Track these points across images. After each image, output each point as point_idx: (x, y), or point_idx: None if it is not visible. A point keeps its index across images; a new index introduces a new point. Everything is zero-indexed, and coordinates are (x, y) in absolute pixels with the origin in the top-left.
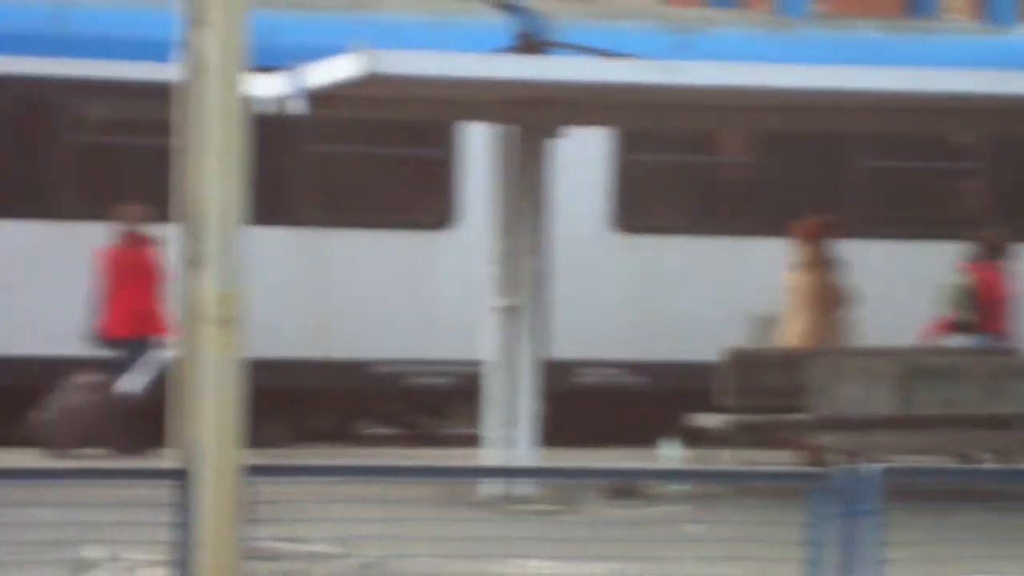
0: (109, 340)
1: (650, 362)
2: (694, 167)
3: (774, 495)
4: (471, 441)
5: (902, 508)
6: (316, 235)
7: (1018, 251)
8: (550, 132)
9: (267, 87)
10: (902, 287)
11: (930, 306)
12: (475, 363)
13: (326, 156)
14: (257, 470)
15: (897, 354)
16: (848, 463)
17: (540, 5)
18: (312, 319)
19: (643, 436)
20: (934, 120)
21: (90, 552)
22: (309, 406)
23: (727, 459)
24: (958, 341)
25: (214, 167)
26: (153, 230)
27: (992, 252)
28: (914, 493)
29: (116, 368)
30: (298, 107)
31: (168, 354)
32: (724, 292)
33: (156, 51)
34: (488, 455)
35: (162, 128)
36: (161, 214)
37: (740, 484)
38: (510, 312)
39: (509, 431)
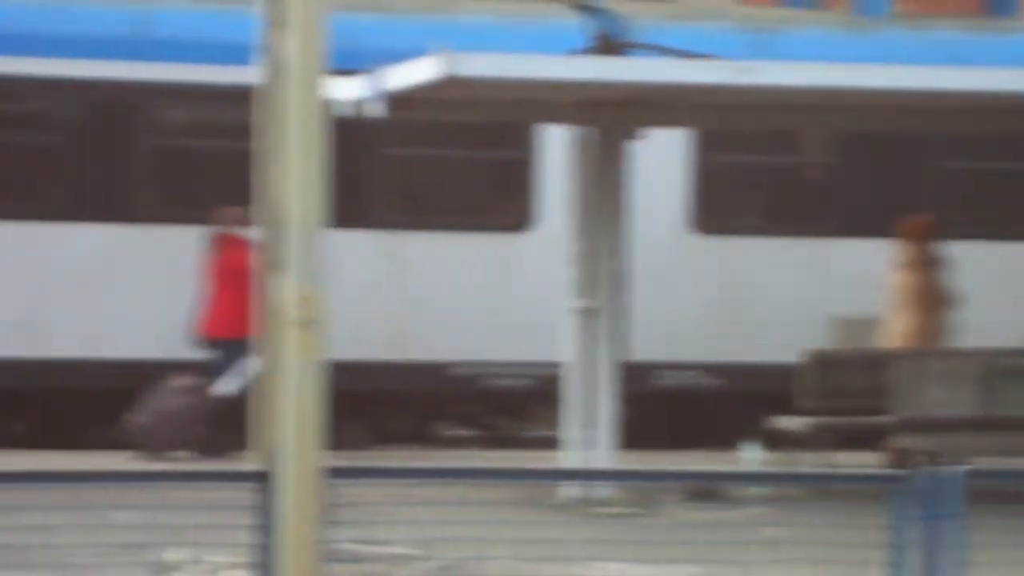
0: (207, 341)
1: (729, 364)
2: (773, 168)
3: (855, 498)
4: (550, 443)
5: (985, 511)
6: (395, 238)
7: None
8: (629, 134)
9: (346, 90)
10: (985, 287)
11: (1012, 307)
12: (554, 365)
13: (405, 159)
14: (338, 472)
15: (980, 355)
16: (931, 465)
17: (618, 6)
18: (391, 321)
19: (722, 438)
20: (1012, 120)
21: (171, 555)
22: (388, 408)
23: (808, 462)
24: None
25: (295, 170)
26: (251, 232)
27: None
28: (997, 495)
29: (210, 370)
30: (377, 110)
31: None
32: (803, 293)
33: (236, 54)
34: (567, 457)
35: (242, 131)
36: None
37: (821, 487)
38: (589, 314)
39: (588, 433)
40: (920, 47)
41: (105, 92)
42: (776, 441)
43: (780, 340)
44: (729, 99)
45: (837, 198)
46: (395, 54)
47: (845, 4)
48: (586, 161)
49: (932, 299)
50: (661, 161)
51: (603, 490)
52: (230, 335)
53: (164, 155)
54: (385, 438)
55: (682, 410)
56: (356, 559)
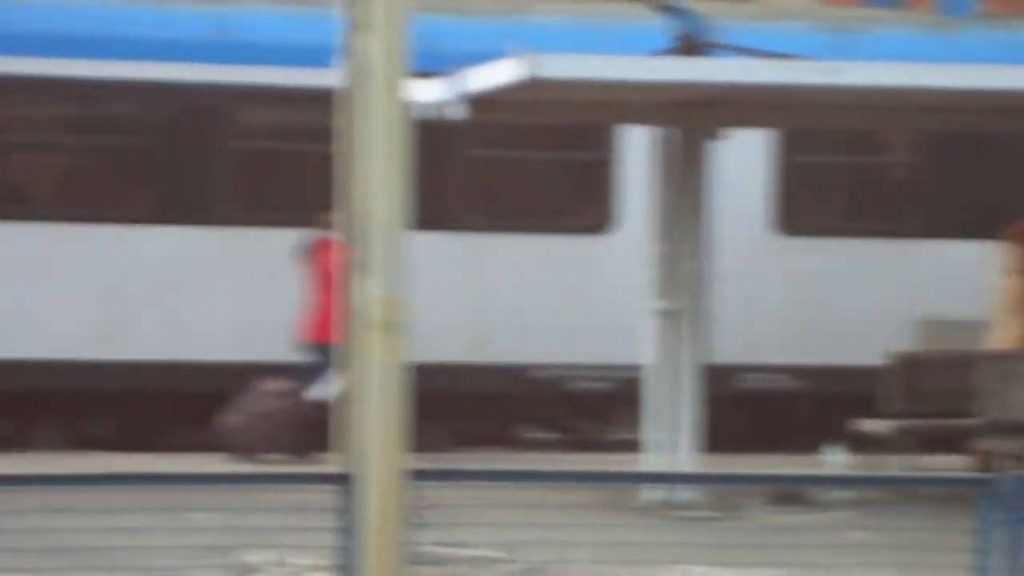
0: (306, 345)
1: (812, 366)
2: (856, 168)
3: (941, 501)
4: (631, 446)
5: None
6: (476, 240)
7: None
8: (710, 134)
9: (427, 92)
10: None
11: None
12: (635, 367)
13: (485, 161)
14: (421, 474)
15: None
16: (1016, 468)
17: (699, 6)
18: (473, 323)
19: (805, 441)
20: None
21: (254, 557)
22: (469, 410)
23: (892, 465)
24: None
25: (377, 173)
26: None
27: None
28: None
29: (298, 374)
30: (458, 112)
31: None
32: (887, 295)
33: (317, 57)
34: (649, 460)
35: (323, 134)
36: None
37: (906, 490)
38: (670, 316)
39: (670, 436)
40: (1003, 47)
41: (187, 95)
42: (860, 444)
43: (863, 342)
44: (812, 99)
45: (921, 198)
46: (474, 56)
47: (928, 4)
48: (667, 162)
49: None
50: (743, 162)
51: (686, 493)
52: (327, 340)
53: (246, 158)
54: (466, 441)
55: (764, 413)
56: (438, 562)
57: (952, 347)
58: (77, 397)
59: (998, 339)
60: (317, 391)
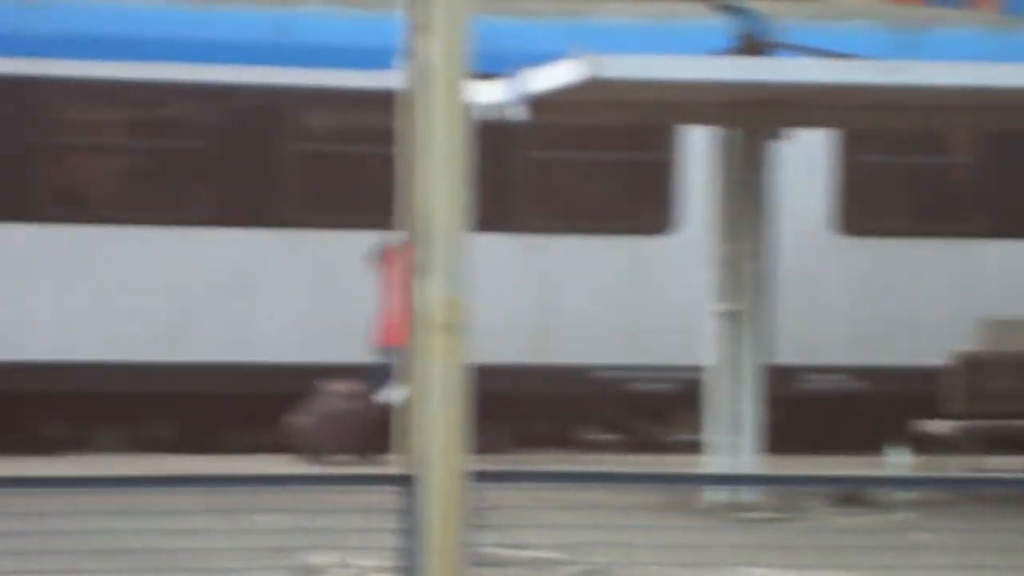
0: (379, 348)
1: (875, 367)
2: (919, 168)
3: (1004, 502)
4: (693, 447)
5: None
6: (537, 241)
7: None
8: (773, 134)
9: (488, 94)
10: None
11: None
12: (697, 369)
13: (546, 162)
14: (483, 476)
15: None
16: None
17: (762, 6)
18: (534, 325)
19: (868, 442)
20: None
21: (317, 558)
22: (530, 411)
23: (955, 466)
24: None
25: (439, 174)
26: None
27: None
28: None
29: (366, 376)
30: (519, 113)
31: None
32: (950, 295)
33: (379, 59)
34: (712, 462)
35: (385, 136)
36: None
37: (969, 491)
38: (732, 317)
39: (733, 438)
40: None
41: (250, 97)
42: (923, 445)
43: (926, 343)
44: (875, 99)
45: (983, 198)
46: (535, 57)
47: (993, 3)
48: (729, 162)
49: None
50: (805, 162)
51: (749, 495)
52: (398, 343)
53: (308, 160)
54: (527, 442)
55: (826, 414)
56: (500, 563)
57: (1015, 347)
58: (140, 399)
59: None
60: (387, 394)
